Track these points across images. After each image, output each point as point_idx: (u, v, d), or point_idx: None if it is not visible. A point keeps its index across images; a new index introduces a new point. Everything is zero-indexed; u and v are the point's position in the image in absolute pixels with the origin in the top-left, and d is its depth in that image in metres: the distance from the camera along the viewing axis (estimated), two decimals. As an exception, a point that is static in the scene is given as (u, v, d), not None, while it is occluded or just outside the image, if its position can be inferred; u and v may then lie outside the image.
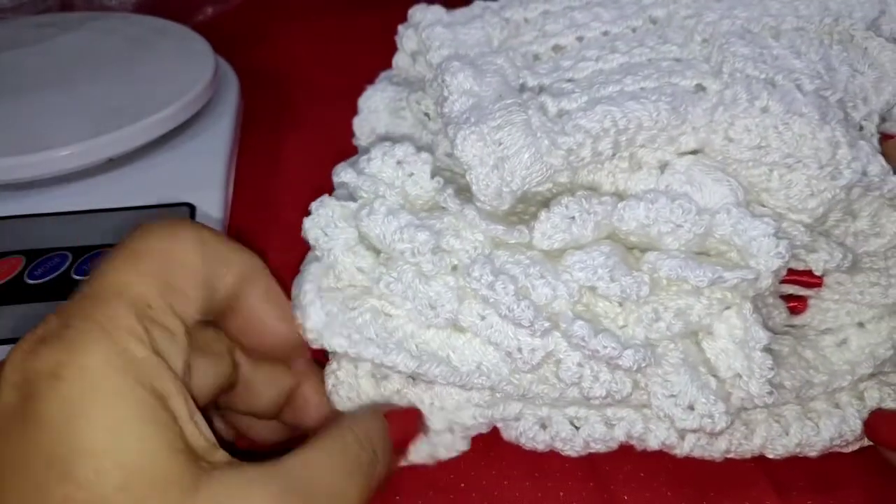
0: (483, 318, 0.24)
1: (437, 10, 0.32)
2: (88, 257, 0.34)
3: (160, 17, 0.49)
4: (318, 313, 0.23)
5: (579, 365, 0.24)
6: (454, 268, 0.24)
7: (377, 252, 0.25)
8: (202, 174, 0.39)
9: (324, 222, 0.24)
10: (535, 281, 0.23)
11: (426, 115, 0.31)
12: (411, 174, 0.25)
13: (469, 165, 0.24)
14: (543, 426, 0.26)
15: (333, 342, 0.23)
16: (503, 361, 0.24)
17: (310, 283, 0.24)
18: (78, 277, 0.33)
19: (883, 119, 0.27)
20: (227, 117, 0.43)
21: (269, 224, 0.38)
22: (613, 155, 0.25)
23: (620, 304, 0.24)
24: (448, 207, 0.25)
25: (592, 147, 0.24)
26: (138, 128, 0.38)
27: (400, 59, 0.33)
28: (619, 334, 0.24)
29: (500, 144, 0.24)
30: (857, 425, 0.26)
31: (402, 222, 0.24)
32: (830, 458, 0.27)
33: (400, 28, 0.33)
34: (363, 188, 0.25)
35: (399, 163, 0.25)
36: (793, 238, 0.24)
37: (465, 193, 0.25)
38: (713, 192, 0.24)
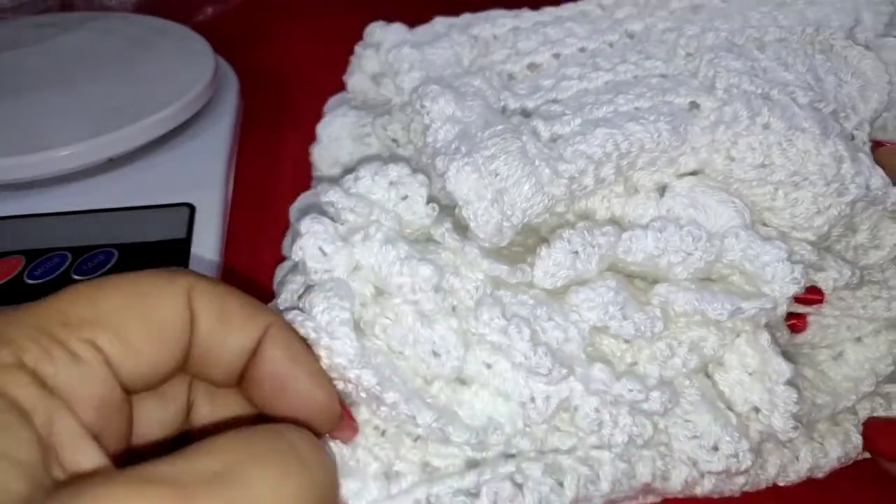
0: (489, 366, 0.21)
1: (399, 29, 0.29)
2: (88, 257, 0.34)
3: (160, 17, 0.48)
4: (351, 337, 0.20)
5: (597, 410, 0.22)
6: (453, 309, 0.22)
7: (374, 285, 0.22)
8: (202, 174, 0.39)
9: (321, 240, 0.21)
10: (544, 324, 0.21)
11: (394, 140, 0.28)
12: (405, 197, 0.23)
13: (465, 201, 0.22)
14: (561, 484, 0.21)
15: (364, 375, 0.20)
16: (516, 413, 0.22)
17: (346, 301, 0.20)
18: (78, 277, 0.33)
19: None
20: (227, 117, 0.43)
21: (269, 224, 0.38)
22: (615, 180, 0.23)
23: (627, 341, 0.22)
24: (445, 243, 0.22)
25: (595, 174, 0.22)
26: (138, 128, 0.38)
27: (358, 82, 0.31)
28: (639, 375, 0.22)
29: (497, 175, 0.22)
30: (858, 441, 0.26)
31: (402, 253, 0.21)
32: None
33: (357, 48, 0.30)
34: (355, 210, 0.22)
35: (392, 184, 0.23)
36: (802, 258, 0.23)
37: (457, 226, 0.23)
38: (719, 214, 0.23)
